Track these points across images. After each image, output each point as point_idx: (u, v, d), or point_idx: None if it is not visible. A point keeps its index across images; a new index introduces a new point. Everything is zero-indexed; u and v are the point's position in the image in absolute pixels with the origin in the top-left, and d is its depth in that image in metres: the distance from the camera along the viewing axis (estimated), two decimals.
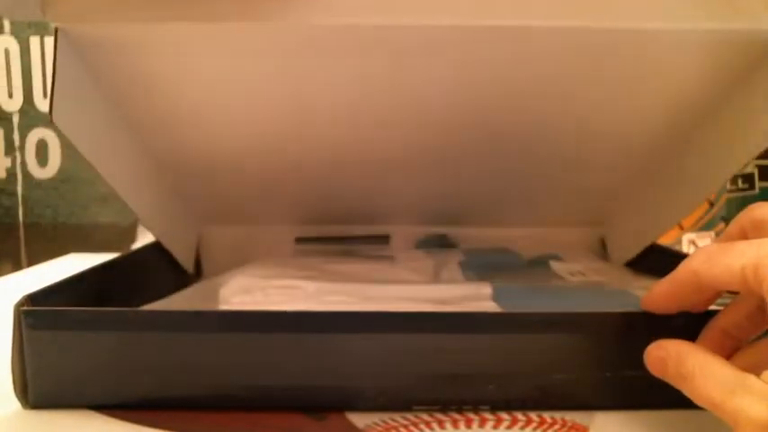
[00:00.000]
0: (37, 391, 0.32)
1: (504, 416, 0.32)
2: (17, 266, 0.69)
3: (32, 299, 0.33)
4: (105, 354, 0.32)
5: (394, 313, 0.33)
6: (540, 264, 0.52)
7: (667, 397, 0.32)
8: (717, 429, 0.31)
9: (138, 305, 0.37)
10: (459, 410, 0.33)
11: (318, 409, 0.33)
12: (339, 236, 0.59)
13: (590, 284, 0.46)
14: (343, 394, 0.33)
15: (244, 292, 0.40)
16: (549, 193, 0.57)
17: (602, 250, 0.59)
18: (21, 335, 0.32)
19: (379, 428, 0.31)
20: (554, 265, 0.52)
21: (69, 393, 0.33)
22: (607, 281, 0.47)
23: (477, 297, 0.40)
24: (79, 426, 0.32)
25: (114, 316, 0.32)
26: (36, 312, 0.32)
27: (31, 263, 0.70)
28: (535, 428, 0.31)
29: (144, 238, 0.69)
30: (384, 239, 0.60)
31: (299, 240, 0.59)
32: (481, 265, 0.50)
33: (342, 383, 0.32)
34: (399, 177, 0.56)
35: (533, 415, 0.32)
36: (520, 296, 0.41)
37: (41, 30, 0.99)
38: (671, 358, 0.29)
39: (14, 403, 0.33)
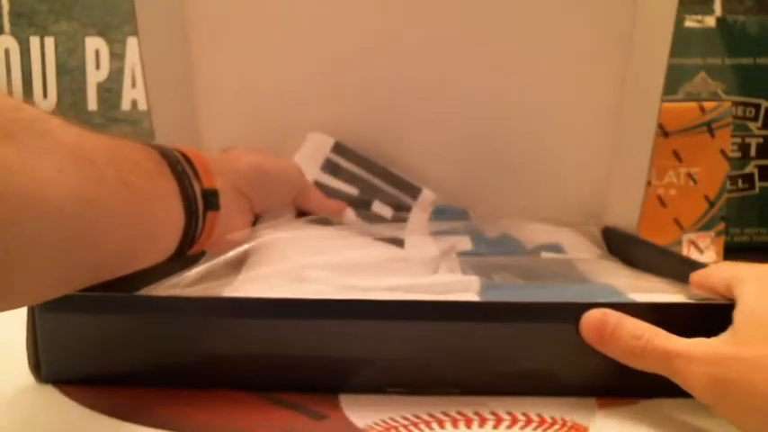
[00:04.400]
0: (48, 367, 0.36)
1: (504, 416, 0.32)
2: None
3: None
4: (110, 334, 0.35)
5: (376, 301, 0.35)
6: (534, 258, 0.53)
7: (637, 386, 0.34)
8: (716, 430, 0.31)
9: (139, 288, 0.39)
10: (432, 393, 0.35)
11: (310, 386, 0.35)
12: (376, 162, 0.61)
13: (561, 263, 0.47)
14: (329, 374, 0.35)
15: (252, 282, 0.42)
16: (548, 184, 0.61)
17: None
18: (34, 316, 0.35)
19: (379, 428, 0.31)
20: (545, 257, 0.52)
21: (78, 369, 0.35)
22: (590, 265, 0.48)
23: (464, 290, 0.41)
24: (78, 426, 0.32)
25: (118, 300, 0.35)
26: None
27: None
28: (535, 428, 0.31)
29: None
30: (415, 191, 0.62)
31: (337, 148, 0.60)
32: (481, 262, 0.50)
33: (326, 365, 0.35)
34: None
35: (533, 414, 0.33)
36: (504, 291, 0.41)
37: (41, 30, 0.99)
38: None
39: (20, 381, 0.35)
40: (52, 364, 0.36)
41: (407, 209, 0.61)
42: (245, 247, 0.45)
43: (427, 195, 0.62)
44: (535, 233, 0.58)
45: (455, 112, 0.61)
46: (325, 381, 0.35)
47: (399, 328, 0.34)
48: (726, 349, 0.29)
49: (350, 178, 0.60)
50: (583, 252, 0.55)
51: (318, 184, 0.58)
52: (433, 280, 0.43)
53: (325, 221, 0.54)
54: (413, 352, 0.35)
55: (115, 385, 0.35)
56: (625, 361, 0.32)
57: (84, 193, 0.30)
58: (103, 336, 0.35)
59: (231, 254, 0.44)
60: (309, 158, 0.59)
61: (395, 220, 0.59)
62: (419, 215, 0.60)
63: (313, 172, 0.58)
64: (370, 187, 0.60)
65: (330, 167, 0.60)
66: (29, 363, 0.36)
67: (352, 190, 0.59)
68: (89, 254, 0.31)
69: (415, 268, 0.47)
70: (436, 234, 0.56)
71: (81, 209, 0.30)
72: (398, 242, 0.53)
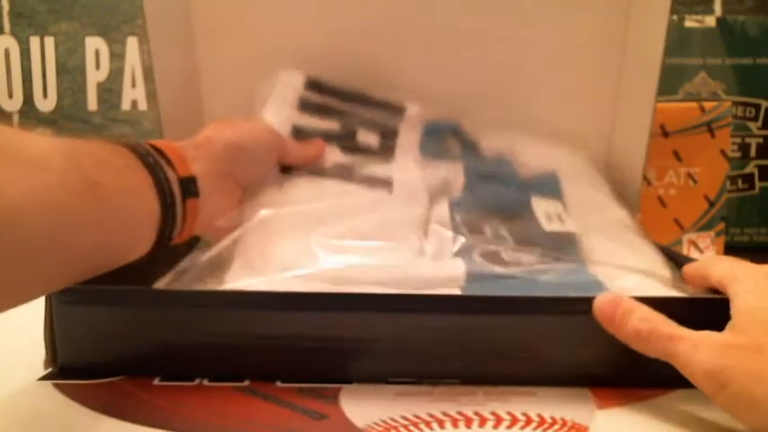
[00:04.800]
0: (64, 358, 0.37)
1: (504, 415, 0.32)
2: None
3: None
4: (122, 325, 0.37)
5: (383, 295, 0.37)
6: (524, 207, 0.51)
7: (630, 376, 0.35)
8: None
9: (150, 283, 0.41)
10: (434, 383, 0.36)
11: (318, 376, 0.36)
12: (352, 90, 0.58)
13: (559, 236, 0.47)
14: (333, 365, 0.36)
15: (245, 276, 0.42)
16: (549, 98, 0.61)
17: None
18: (51, 309, 0.37)
19: (379, 428, 0.31)
20: (535, 203, 0.51)
21: (92, 359, 0.37)
22: (578, 230, 0.48)
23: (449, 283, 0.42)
24: (78, 426, 0.32)
25: (130, 293, 0.37)
26: (65, 290, 0.35)
27: None
28: (535, 428, 0.31)
29: None
30: (399, 111, 0.58)
31: (310, 84, 0.57)
32: (472, 209, 0.50)
33: (331, 355, 0.36)
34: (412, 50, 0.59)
35: (533, 414, 0.32)
36: (489, 284, 0.42)
37: (41, 30, 0.99)
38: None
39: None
40: (69, 355, 0.37)
41: (394, 131, 0.57)
42: (237, 234, 0.45)
43: (413, 112, 0.58)
44: (532, 155, 0.57)
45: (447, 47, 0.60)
46: (330, 371, 0.36)
47: (401, 320, 0.36)
48: (730, 341, 0.30)
49: (328, 113, 0.56)
50: (581, 182, 0.54)
51: (298, 128, 0.55)
52: (420, 274, 0.43)
53: (312, 172, 0.52)
54: (414, 344, 0.36)
55: (129, 376, 0.36)
56: (631, 343, 0.33)
57: (46, 199, 0.31)
58: (120, 327, 0.37)
59: (224, 243, 0.44)
60: (283, 101, 0.56)
61: (382, 148, 0.56)
62: (407, 137, 0.57)
63: (289, 115, 0.55)
64: (351, 117, 0.57)
65: (306, 106, 0.56)
66: (46, 354, 0.37)
67: (333, 125, 0.56)
68: (61, 257, 0.32)
69: (402, 238, 0.46)
70: (426, 160, 0.55)
71: (44, 215, 0.30)
72: (387, 183, 0.51)
